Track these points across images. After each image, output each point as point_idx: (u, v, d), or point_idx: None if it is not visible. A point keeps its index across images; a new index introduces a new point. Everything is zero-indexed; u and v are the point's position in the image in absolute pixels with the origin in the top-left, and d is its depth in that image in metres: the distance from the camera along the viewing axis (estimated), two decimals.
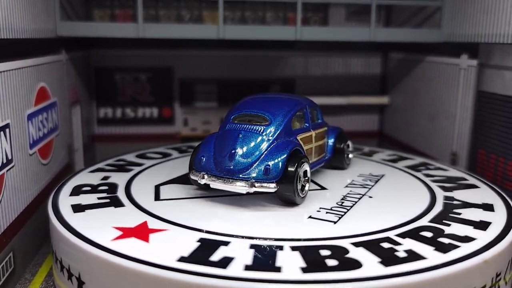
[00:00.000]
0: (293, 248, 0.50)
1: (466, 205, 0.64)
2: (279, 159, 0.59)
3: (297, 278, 0.44)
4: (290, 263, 0.47)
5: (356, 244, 0.51)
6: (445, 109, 0.94)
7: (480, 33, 0.83)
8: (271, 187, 0.58)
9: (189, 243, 0.51)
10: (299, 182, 0.61)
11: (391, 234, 0.54)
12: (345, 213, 0.60)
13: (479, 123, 0.84)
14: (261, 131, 0.62)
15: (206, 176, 0.61)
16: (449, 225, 0.57)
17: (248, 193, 0.59)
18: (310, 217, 0.59)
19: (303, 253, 0.49)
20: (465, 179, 0.75)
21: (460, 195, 0.67)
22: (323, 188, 0.70)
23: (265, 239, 0.52)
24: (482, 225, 0.56)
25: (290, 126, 0.64)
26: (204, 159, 0.62)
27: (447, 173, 0.78)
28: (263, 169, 0.59)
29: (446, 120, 0.94)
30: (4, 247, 0.59)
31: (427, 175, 0.76)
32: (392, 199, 0.66)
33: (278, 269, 0.45)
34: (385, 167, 0.82)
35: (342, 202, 0.64)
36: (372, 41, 0.92)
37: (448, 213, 0.61)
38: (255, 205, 0.63)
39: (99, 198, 0.65)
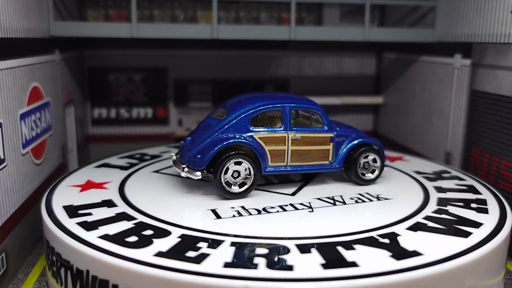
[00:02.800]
0: (135, 224, 0.57)
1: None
2: (210, 151, 0.63)
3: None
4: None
5: (180, 235, 0.54)
6: (439, 108, 0.95)
7: (474, 32, 0.83)
8: (195, 175, 0.64)
9: (93, 200, 0.64)
10: (237, 178, 0.64)
11: (228, 239, 0.53)
12: (250, 215, 0.60)
13: (472, 122, 0.84)
14: (214, 124, 0.67)
15: (174, 157, 0.71)
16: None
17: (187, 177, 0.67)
18: (210, 209, 0.61)
19: (136, 227, 0.56)
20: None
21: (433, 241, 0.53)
22: (292, 194, 0.68)
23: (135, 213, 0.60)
24: None
25: (245, 123, 0.66)
26: (182, 143, 0.71)
27: (477, 216, 0.61)
28: (194, 157, 0.64)
29: (440, 120, 0.94)
30: None
31: (442, 211, 0.62)
32: (329, 220, 0.59)
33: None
34: (416, 193, 0.69)
35: (272, 208, 0.62)
36: (366, 40, 0.92)
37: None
38: (198, 192, 0.68)
39: (126, 162, 0.82)
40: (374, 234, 0.55)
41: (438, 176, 0.77)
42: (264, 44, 1.15)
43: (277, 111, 0.67)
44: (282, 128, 0.67)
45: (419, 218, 0.60)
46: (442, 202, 0.66)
